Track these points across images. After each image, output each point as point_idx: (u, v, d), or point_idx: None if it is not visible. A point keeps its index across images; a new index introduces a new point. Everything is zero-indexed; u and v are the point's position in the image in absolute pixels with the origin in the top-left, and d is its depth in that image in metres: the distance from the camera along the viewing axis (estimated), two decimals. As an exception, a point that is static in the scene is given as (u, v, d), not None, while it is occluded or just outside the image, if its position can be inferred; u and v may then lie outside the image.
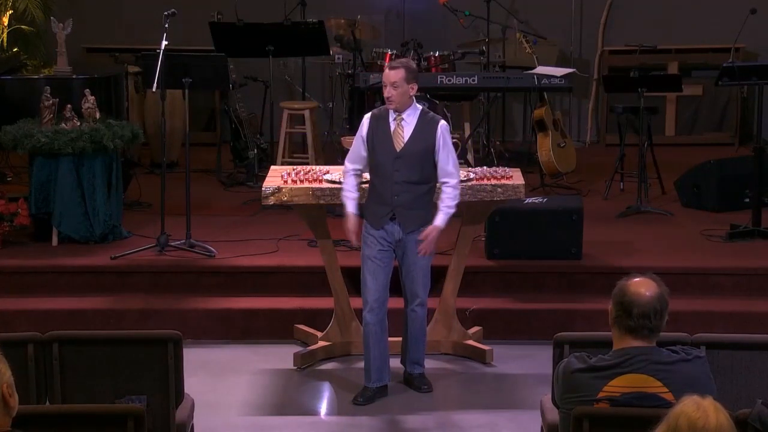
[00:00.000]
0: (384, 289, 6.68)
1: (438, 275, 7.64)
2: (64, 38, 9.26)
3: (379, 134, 6.59)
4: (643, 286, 4.24)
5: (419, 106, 6.66)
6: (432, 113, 6.75)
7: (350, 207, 6.64)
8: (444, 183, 6.61)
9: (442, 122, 6.63)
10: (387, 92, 6.53)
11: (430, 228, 6.58)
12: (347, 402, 6.78)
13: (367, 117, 6.70)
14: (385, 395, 6.81)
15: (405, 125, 6.58)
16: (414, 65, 6.72)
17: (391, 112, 6.60)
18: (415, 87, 6.62)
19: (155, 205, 8.98)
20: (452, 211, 6.64)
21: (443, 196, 6.61)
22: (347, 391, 6.89)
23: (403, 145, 6.56)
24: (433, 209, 6.67)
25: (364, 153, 6.63)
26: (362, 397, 6.75)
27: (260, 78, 10.58)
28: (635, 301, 4.22)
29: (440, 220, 6.60)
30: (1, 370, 3.49)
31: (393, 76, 6.51)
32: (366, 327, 6.73)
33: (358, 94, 10.28)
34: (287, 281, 8.03)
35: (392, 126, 6.59)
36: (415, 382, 6.89)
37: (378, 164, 6.59)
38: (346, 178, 6.71)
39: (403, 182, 6.54)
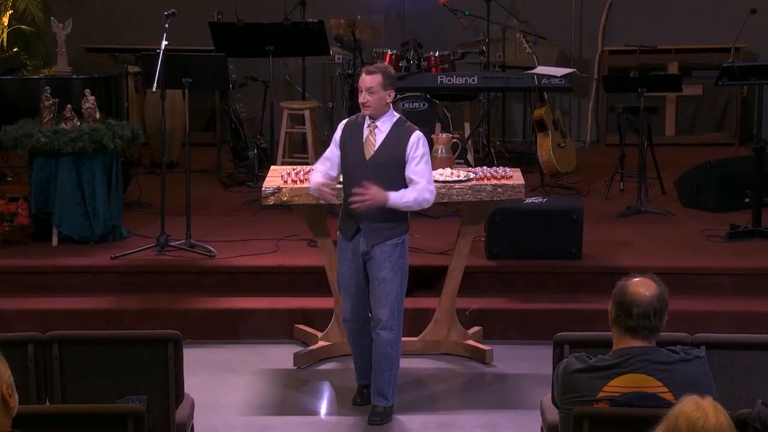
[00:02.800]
0: (358, 301, 6.54)
1: (438, 275, 7.66)
2: (64, 38, 9.26)
3: (352, 141, 6.41)
4: (642, 286, 4.24)
5: (396, 115, 6.46)
6: (409, 123, 6.46)
7: (315, 176, 6.43)
8: (414, 182, 6.32)
9: (417, 133, 6.35)
10: (363, 98, 6.32)
11: (378, 190, 6.24)
12: (347, 402, 6.78)
13: (342, 123, 6.56)
14: None
15: (378, 133, 6.38)
16: (392, 71, 6.50)
17: (366, 119, 6.42)
18: (393, 93, 6.41)
19: (155, 205, 8.98)
20: (409, 203, 6.28)
21: (418, 186, 6.29)
22: (347, 391, 6.89)
23: (373, 152, 6.37)
24: (402, 223, 6.47)
25: (336, 159, 6.47)
26: (360, 398, 6.77)
27: (260, 78, 10.58)
28: (635, 300, 4.22)
29: (393, 195, 6.23)
30: (1, 370, 3.50)
31: (369, 81, 6.31)
32: (346, 332, 6.79)
33: (358, 94, 10.26)
34: (287, 281, 8.03)
35: (365, 133, 6.40)
36: (372, 411, 6.57)
37: (348, 172, 6.41)
38: (315, 168, 6.52)
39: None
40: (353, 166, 6.39)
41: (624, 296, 4.24)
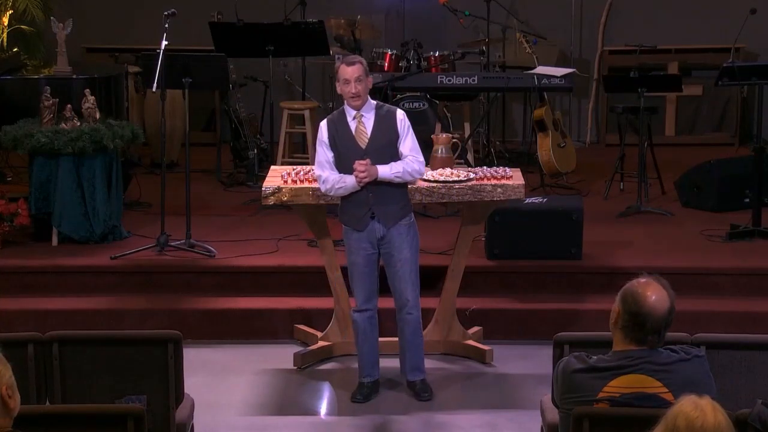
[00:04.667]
0: (371, 290, 6.68)
1: (438, 275, 7.65)
2: (64, 38, 9.26)
3: (341, 136, 6.55)
4: (658, 300, 4.16)
5: (372, 101, 6.64)
6: (387, 105, 6.73)
7: (348, 178, 6.50)
8: (403, 156, 6.54)
9: (399, 111, 6.62)
10: (353, 88, 6.45)
11: (369, 165, 6.44)
12: (347, 402, 6.79)
13: (324, 123, 6.64)
14: (378, 391, 6.84)
15: (366, 121, 6.55)
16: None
17: (348, 112, 6.56)
18: (371, 80, 6.64)
19: (155, 205, 8.98)
20: (400, 174, 6.49)
21: (406, 159, 6.52)
22: (347, 391, 6.89)
23: (367, 141, 6.53)
24: (408, 201, 6.69)
25: (331, 158, 6.57)
26: (360, 395, 6.79)
27: (260, 78, 10.58)
28: (650, 315, 4.15)
29: (384, 169, 6.46)
30: (1, 371, 3.49)
31: (356, 71, 6.47)
32: (354, 325, 6.82)
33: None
34: (287, 281, 8.03)
35: (353, 125, 6.55)
36: (416, 388, 6.82)
37: (345, 166, 6.52)
38: (327, 178, 6.55)
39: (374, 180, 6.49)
40: (350, 159, 6.50)
41: (639, 308, 4.16)
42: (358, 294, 6.73)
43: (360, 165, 6.44)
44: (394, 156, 6.55)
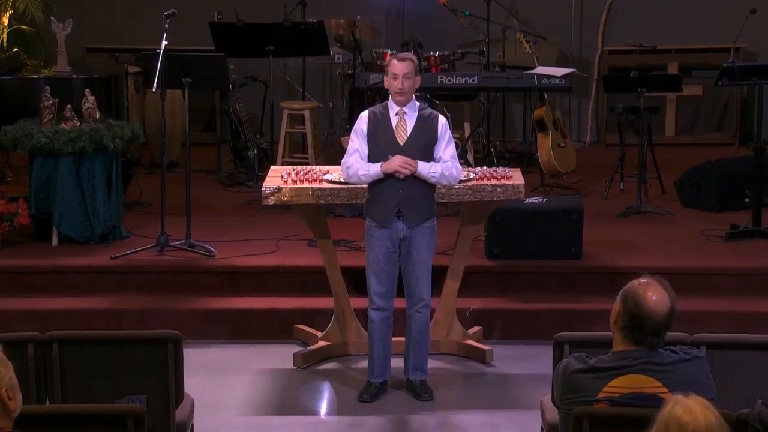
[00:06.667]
0: (390, 289, 6.73)
1: (438, 275, 7.64)
2: (64, 38, 9.26)
3: (381, 129, 6.63)
4: (658, 301, 4.16)
5: (417, 103, 6.73)
6: (430, 109, 6.83)
7: (374, 166, 6.58)
8: (443, 160, 6.64)
9: (441, 117, 6.73)
10: (400, 83, 6.56)
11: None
12: (347, 402, 6.79)
13: (365, 113, 6.73)
14: (386, 392, 6.84)
15: (407, 119, 6.65)
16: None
17: (391, 107, 6.65)
18: (419, 80, 6.72)
19: (155, 205, 8.98)
20: (437, 175, 6.58)
21: (446, 163, 6.62)
22: (347, 391, 6.89)
23: (406, 138, 6.61)
24: (433, 204, 6.75)
25: (364, 151, 6.63)
26: (367, 394, 6.79)
27: (260, 78, 10.58)
28: (650, 318, 4.15)
29: (423, 165, 6.55)
30: (1, 372, 3.49)
31: (406, 67, 6.58)
32: (371, 324, 6.80)
33: (358, 94, 10.29)
34: (287, 281, 8.03)
35: (394, 121, 6.64)
36: (416, 389, 6.83)
37: (381, 159, 6.59)
38: (352, 164, 6.61)
39: (407, 175, 6.56)
40: (386, 152, 6.58)
41: (639, 309, 4.16)
42: (377, 292, 6.73)
43: (405, 166, 6.50)
44: (429, 158, 6.63)
